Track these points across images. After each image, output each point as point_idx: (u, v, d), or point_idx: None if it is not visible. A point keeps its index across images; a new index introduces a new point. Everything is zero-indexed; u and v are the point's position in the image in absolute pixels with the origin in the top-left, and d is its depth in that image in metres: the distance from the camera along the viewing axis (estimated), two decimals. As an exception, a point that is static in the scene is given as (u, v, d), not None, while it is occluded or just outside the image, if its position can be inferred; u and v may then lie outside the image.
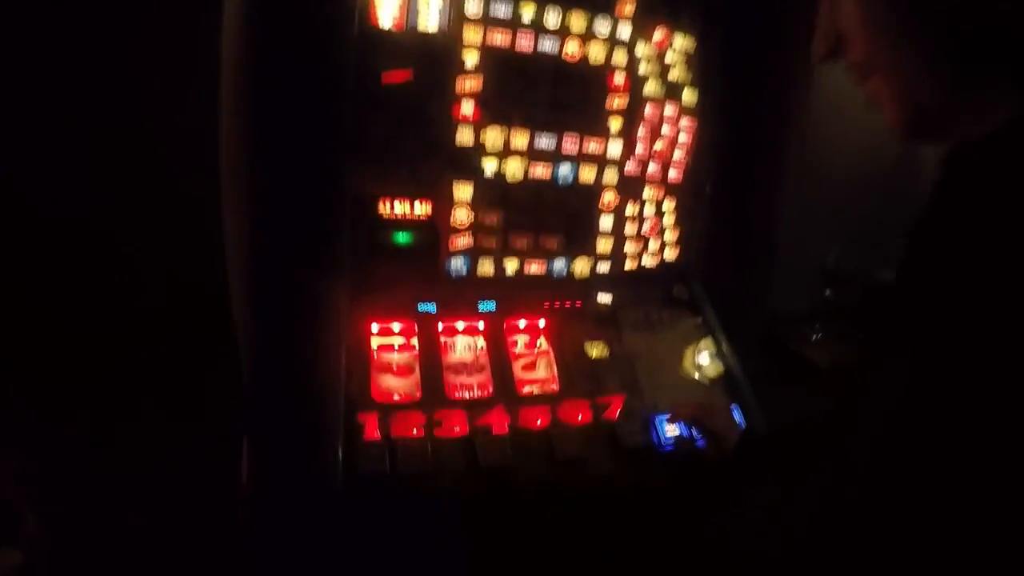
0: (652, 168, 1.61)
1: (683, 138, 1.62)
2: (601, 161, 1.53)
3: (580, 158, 1.50)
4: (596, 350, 1.50)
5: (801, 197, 1.80)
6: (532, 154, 1.45)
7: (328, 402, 1.19)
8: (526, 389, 1.37)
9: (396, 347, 1.34)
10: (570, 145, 1.48)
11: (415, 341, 1.35)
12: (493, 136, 1.40)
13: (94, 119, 0.94)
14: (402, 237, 1.38)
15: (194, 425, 1.09)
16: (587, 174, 1.52)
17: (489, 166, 1.42)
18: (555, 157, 1.48)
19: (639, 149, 1.57)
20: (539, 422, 1.31)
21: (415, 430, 1.22)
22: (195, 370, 1.09)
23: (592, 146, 1.50)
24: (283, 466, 1.14)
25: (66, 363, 1.01)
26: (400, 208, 1.37)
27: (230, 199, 1.04)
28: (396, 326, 1.36)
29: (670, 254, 1.69)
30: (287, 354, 1.21)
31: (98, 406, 1.04)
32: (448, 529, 1.19)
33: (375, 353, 1.32)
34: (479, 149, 1.40)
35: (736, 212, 1.73)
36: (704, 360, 1.55)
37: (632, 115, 1.53)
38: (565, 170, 1.49)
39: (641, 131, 1.56)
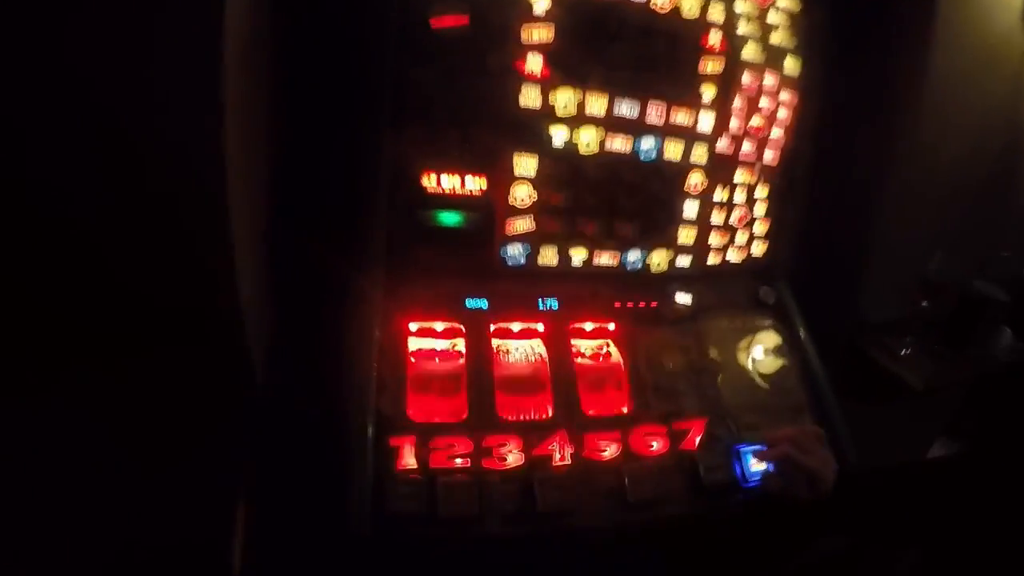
0: (747, 147, 1.42)
1: (783, 114, 1.44)
2: (690, 135, 1.35)
3: (666, 130, 1.32)
4: (674, 362, 1.32)
5: (900, 194, 1.62)
6: (610, 123, 1.27)
7: (353, 421, 1.06)
8: (591, 410, 1.23)
9: (438, 352, 1.20)
10: (655, 115, 1.29)
11: (461, 345, 1.21)
12: (564, 99, 1.23)
13: (93, 93, 0.83)
14: (449, 217, 1.23)
15: (188, 450, 0.97)
16: (673, 150, 1.34)
17: (558, 135, 1.25)
18: (637, 128, 1.29)
19: (733, 124, 1.38)
20: (607, 451, 1.18)
21: (459, 460, 1.09)
22: (196, 375, 0.97)
23: (680, 117, 1.32)
24: (295, 504, 1.03)
25: (67, 364, 0.94)
26: (448, 182, 1.21)
27: (240, 169, 0.93)
28: (439, 326, 1.22)
29: (758, 249, 1.52)
30: (305, 359, 1.11)
31: (96, 411, 0.96)
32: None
33: (413, 359, 1.18)
34: (547, 114, 1.23)
35: (830, 205, 1.58)
36: (759, 354, 1.42)
37: (728, 83, 1.35)
38: (648, 144, 1.31)
39: (737, 102, 1.37)
